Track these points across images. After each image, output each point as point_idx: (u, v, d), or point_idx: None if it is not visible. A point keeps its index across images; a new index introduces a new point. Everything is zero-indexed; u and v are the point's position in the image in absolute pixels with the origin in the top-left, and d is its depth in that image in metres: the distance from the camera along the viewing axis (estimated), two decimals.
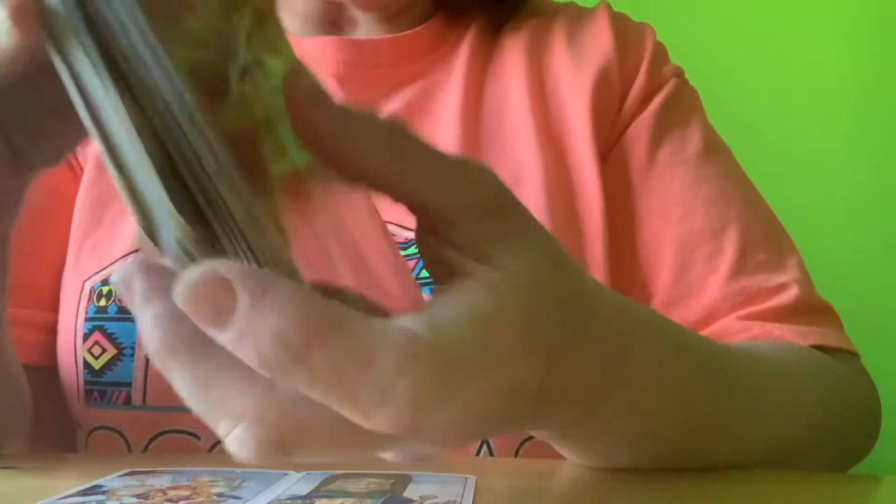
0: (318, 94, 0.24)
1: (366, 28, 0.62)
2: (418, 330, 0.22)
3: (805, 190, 1.15)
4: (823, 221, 1.12)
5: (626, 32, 0.61)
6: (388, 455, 0.27)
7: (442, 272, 0.26)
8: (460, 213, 0.26)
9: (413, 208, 0.26)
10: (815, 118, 1.21)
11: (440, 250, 0.26)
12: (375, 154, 0.25)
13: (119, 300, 0.51)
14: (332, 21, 0.62)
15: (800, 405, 0.43)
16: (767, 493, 0.35)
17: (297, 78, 0.24)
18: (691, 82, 0.63)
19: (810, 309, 0.53)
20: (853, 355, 0.53)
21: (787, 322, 0.52)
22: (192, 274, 0.21)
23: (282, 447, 0.22)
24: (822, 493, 0.37)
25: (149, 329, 0.23)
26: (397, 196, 0.26)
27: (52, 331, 0.55)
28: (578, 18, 0.62)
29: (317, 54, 0.59)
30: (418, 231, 0.27)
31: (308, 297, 0.21)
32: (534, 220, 0.27)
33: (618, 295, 0.32)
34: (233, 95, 0.23)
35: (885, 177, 1.19)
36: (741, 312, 0.53)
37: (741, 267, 0.54)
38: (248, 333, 0.20)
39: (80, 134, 0.29)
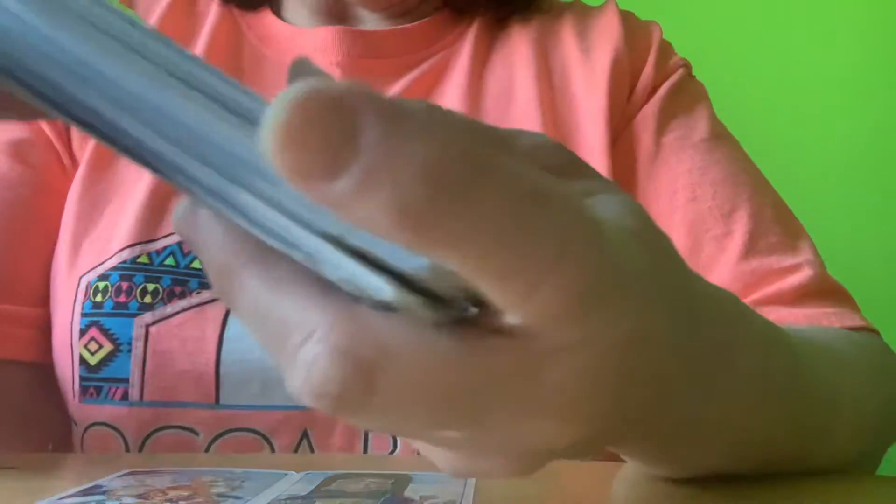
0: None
1: (371, 23, 0.63)
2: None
3: (807, 188, 1.15)
4: (825, 218, 1.12)
5: (634, 26, 0.62)
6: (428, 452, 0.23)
7: None
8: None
9: None
10: (818, 116, 1.21)
11: None
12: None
13: (115, 296, 0.51)
14: (338, 15, 0.63)
15: (864, 394, 0.41)
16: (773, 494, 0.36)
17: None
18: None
19: (824, 290, 0.53)
20: (874, 333, 0.52)
21: (802, 304, 0.52)
22: (294, 93, 0.14)
23: (361, 368, 0.17)
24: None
25: (212, 247, 0.19)
26: None
27: (41, 327, 0.55)
28: (586, 14, 0.64)
29: (321, 44, 0.61)
30: None
31: (470, 123, 0.16)
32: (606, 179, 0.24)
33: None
34: None
35: (888, 174, 1.20)
36: (754, 296, 0.52)
37: (752, 248, 0.54)
38: (383, 169, 0.14)
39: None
